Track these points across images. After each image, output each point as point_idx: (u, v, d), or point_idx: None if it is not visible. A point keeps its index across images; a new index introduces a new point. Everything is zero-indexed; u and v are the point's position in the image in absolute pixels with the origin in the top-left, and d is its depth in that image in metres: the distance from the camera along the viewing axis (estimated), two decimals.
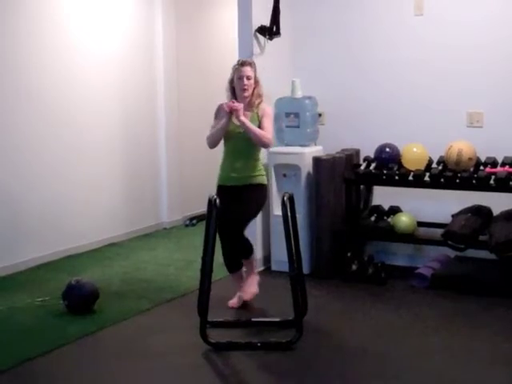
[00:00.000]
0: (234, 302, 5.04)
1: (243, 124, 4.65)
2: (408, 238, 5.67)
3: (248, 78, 4.74)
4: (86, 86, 6.67)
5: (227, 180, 4.85)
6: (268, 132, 4.77)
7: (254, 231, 5.79)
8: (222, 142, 4.85)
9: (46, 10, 6.24)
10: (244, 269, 5.09)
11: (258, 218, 5.85)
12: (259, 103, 4.81)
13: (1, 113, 5.88)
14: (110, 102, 6.98)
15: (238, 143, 4.77)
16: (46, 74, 6.26)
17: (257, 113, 4.80)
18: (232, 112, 4.64)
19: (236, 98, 4.78)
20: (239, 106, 4.63)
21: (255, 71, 4.81)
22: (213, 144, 4.81)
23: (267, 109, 4.88)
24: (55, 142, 6.38)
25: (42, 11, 6.21)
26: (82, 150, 6.65)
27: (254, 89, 4.79)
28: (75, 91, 6.56)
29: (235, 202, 4.76)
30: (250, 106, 4.78)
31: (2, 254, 5.89)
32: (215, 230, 4.33)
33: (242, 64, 4.79)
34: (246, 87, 4.74)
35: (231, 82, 4.82)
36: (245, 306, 5.03)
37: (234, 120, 4.70)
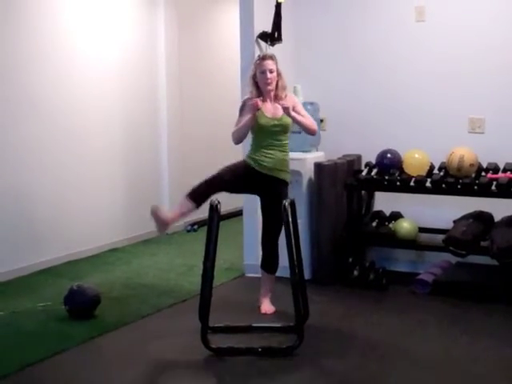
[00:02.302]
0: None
1: (295, 119, 4.67)
2: (409, 243, 5.67)
3: (271, 72, 4.71)
4: (87, 92, 6.68)
5: (259, 165, 4.74)
6: (310, 118, 4.81)
7: (255, 236, 5.80)
8: (251, 134, 4.81)
9: (47, 16, 6.25)
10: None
11: (259, 223, 5.86)
12: (286, 95, 4.80)
13: (2, 119, 5.89)
14: (111, 109, 6.99)
15: (274, 138, 4.74)
16: (48, 80, 6.27)
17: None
18: (259, 109, 4.62)
19: (260, 93, 4.75)
20: (258, 101, 4.60)
21: (277, 64, 4.78)
22: (238, 140, 4.75)
23: (295, 98, 4.89)
24: (57, 148, 6.38)
25: (44, 18, 6.22)
26: (83, 155, 6.66)
27: (278, 82, 4.77)
28: (77, 97, 6.56)
29: (265, 194, 4.77)
30: (277, 99, 4.74)
31: (3, 259, 5.89)
32: (216, 235, 4.33)
33: (263, 58, 4.76)
34: (269, 81, 4.71)
35: (254, 77, 4.78)
36: (253, 310, 5.03)
37: (267, 113, 4.69)
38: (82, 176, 6.67)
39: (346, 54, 6.12)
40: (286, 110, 4.63)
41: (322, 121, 6.09)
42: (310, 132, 4.83)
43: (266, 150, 4.73)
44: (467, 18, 5.64)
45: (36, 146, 6.18)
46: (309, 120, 4.78)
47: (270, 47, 5.83)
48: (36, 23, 6.14)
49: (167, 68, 7.61)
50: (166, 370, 4.13)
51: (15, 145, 5.99)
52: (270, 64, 4.73)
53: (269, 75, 4.71)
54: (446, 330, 4.68)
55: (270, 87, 4.73)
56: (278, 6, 5.72)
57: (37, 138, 6.18)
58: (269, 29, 5.76)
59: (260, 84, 4.75)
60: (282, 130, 4.74)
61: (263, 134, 4.73)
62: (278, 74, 4.78)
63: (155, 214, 4.80)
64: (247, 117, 4.66)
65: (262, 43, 5.80)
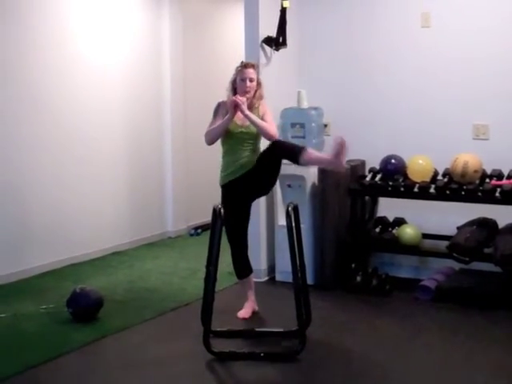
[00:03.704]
0: (246, 312, 5.03)
1: (248, 117, 4.64)
2: (412, 249, 5.66)
3: (251, 80, 4.74)
4: (91, 96, 6.69)
5: (235, 173, 4.75)
6: (272, 125, 4.78)
7: (258, 241, 5.80)
8: (219, 141, 4.81)
9: (52, 21, 6.27)
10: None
11: (263, 228, 5.87)
12: (259, 105, 4.81)
13: (6, 124, 5.90)
14: (115, 113, 7.01)
15: (240, 141, 4.74)
16: (52, 85, 6.29)
17: (257, 113, 4.77)
18: (236, 107, 4.62)
19: None
20: (243, 99, 4.63)
21: (258, 73, 4.81)
22: (212, 140, 4.75)
23: (265, 106, 4.87)
24: (60, 151, 6.39)
25: (49, 22, 6.24)
26: (87, 159, 6.68)
27: (256, 91, 4.79)
28: (81, 102, 6.58)
29: (250, 184, 4.76)
30: (250, 107, 4.73)
31: (7, 262, 5.91)
32: (219, 240, 4.33)
33: (245, 66, 4.78)
34: (248, 89, 4.74)
35: (233, 82, 4.81)
36: (255, 315, 5.04)
37: (236, 119, 4.69)
38: (86, 179, 6.68)
39: (350, 60, 6.12)
40: (240, 106, 4.59)
41: (326, 126, 6.09)
42: (266, 136, 4.74)
43: (237, 156, 4.72)
44: (472, 25, 5.63)
45: (39, 149, 6.19)
46: (268, 125, 4.71)
47: (275, 52, 5.84)
48: (40, 25, 6.16)
49: (171, 71, 7.62)
50: (168, 373, 4.13)
51: (19, 148, 6.00)
52: (250, 73, 4.75)
53: (248, 83, 4.73)
54: (449, 337, 4.67)
55: (247, 95, 4.74)
56: (283, 11, 5.73)
57: (40, 140, 6.20)
58: (274, 34, 5.77)
59: (238, 91, 4.76)
60: (249, 137, 4.75)
61: (232, 140, 4.74)
62: (258, 84, 4.80)
63: (243, 317, 5.01)
64: (225, 117, 4.65)
65: (267, 48, 5.81)
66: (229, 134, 4.73)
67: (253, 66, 4.80)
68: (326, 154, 4.77)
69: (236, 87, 4.78)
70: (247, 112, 4.64)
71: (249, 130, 4.74)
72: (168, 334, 4.76)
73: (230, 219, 4.67)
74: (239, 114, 4.67)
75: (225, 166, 4.82)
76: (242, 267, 5.00)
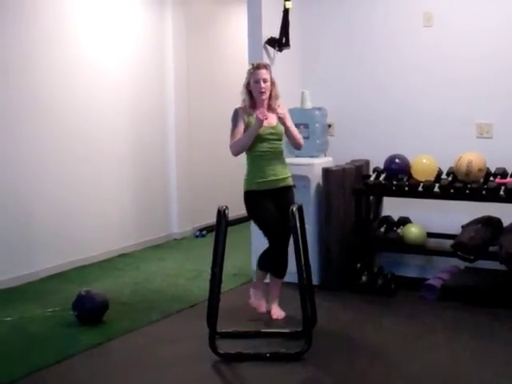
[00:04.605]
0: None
1: (289, 129, 4.75)
2: (418, 249, 5.66)
3: (264, 81, 4.73)
4: (96, 98, 6.71)
5: (265, 184, 4.76)
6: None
7: (263, 241, 5.79)
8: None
9: (55, 23, 6.29)
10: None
11: None
12: (279, 105, 4.81)
13: (10, 125, 5.92)
14: (120, 114, 7.02)
15: (270, 145, 4.76)
16: (56, 87, 6.31)
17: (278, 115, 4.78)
18: (261, 123, 4.63)
19: (253, 102, 4.77)
20: (266, 114, 4.62)
21: (271, 73, 4.80)
22: (240, 151, 4.76)
23: (284, 107, 4.89)
24: (66, 154, 6.41)
25: (53, 25, 6.26)
26: (92, 161, 6.69)
27: (271, 91, 4.79)
28: (85, 105, 6.60)
29: (279, 204, 4.76)
30: (270, 109, 4.75)
31: (13, 265, 5.92)
32: (224, 241, 4.34)
33: (257, 67, 4.77)
34: (263, 90, 4.73)
35: (247, 85, 4.79)
36: (261, 316, 5.03)
37: (264, 123, 4.70)
38: (90, 181, 6.69)
39: (353, 60, 6.12)
40: (281, 119, 4.69)
41: (329, 126, 6.09)
42: (297, 145, 4.89)
43: (267, 162, 4.74)
44: (475, 23, 5.63)
45: (45, 153, 6.21)
46: (299, 135, 4.87)
47: (278, 53, 5.84)
48: (43, 27, 6.18)
49: (175, 73, 7.63)
50: (174, 375, 4.13)
51: (24, 152, 6.02)
52: (263, 73, 4.73)
53: (262, 84, 4.72)
54: (455, 335, 4.67)
55: (263, 96, 4.75)
56: (286, 12, 5.73)
57: (43, 142, 6.21)
58: (277, 34, 5.77)
59: (254, 93, 4.76)
60: (277, 137, 4.78)
61: (259, 142, 4.74)
62: (272, 83, 4.79)
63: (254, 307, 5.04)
64: (253, 127, 4.65)
65: (270, 49, 5.82)
66: (257, 138, 4.72)
67: (265, 67, 4.79)
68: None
69: (250, 90, 4.77)
70: (289, 124, 4.75)
71: (276, 130, 4.77)
72: (174, 335, 4.77)
73: (266, 215, 4.76)
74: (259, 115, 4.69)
75: (251, 172, 4.82)
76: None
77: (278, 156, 4.80)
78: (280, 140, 4.81)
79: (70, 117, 6.45)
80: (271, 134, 4.74)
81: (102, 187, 6.83)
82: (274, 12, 5.76)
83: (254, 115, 4.65)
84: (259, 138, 4.72)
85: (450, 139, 5.71)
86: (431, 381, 4.00)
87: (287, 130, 4.77)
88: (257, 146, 4.75)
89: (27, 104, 6.03)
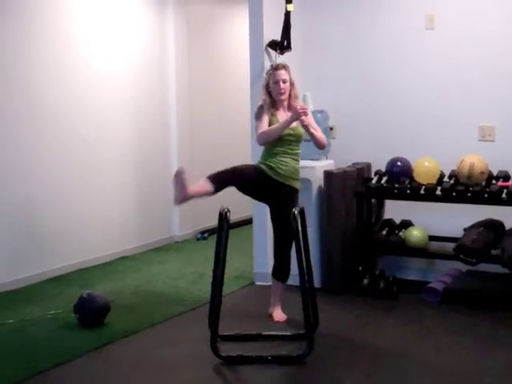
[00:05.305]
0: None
1: (312, 134, 4.74)
2: (420, 252, 5.65)
3: (284, 82, 4.74)
4: (98, 102, 6.70)
5: (273, 171, 4.72)
6: (321, 133, 4.88)
7: (264, 244, 5.79)
8: None
9: (57, 24, 6.29)
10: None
11: (269, 231, 5.85)
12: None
13: (14, 129, 5.92)
14: (121, 117, 7.02)
15: (287, 147, 4.75)
16: (59, 90, 6.30)
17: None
18: (301, 116, 4.61)
19: (273, 102, 4.78)
20: (307, 110, 4.64)
21: (290, 73, 4.81)
22: (268, 141, 4.70)
23: (309, 111, 4.90)
24: (67, 157, 6.41)
25: (54, 26, 6.26)
26: (94, 164, 6.69)
27: (290, 91, 4.81)
28: (87, 107, 6.59)
29: (279, 204, 4.76)
30: (290, 109, 4.77)
31: (14, 268, 5.92)
32: (226, 243, 4.34)
33: (276, 68, 4.79)
34: (283, 91, 4.74)
35: (267, 86, 4.81)
36: (263, 318, 5.02)
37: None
38: (92, 184, 6.68)
39: (355, 62, 6.12)
40: (305, 127, 4.68)
41: (331, 129, 6.08)
42: (321, 146, 4.87)
43: (280, 158, 4.74)
44: (477, 26, 5.63)
45: (47, 156, 6.20)
46: (320, 134, 4.84)
47: (280, 56, 5.84)
48: (49, 37, 6.18)
49: (177, 75, 7.62)
50: (175, 378, 4.13)
51: (26, 155, 6.01)
52: (283, 74, 4.76)
53: (282, 85, 4.74)
54: (457, 339, 4.66)
55: (283, 97, 4.77)
56: (287, 15, 5.73)
57: (47, 148, 6.21)
58: (278, 37, 5.77)
59: (273, 94, 4.78)
60: (295, 139, 4.77)
61: (277, 141, 4.73)
62: (291, 84, 4.81)
63: (179, 176, 4.66)
64: (287, 120, 4.63)
65: (272, 52, 5.82)
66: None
67: (284, 67, 4.80)
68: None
69: (270, 91, 4.78)
70: (312, 130, 4.72)
71: (296, 132, 4.75)
72: (175, 338, 4.76)
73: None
74: (281, 115, 4.70)
75: (267, 155, 4.79)
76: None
77: (293, 157, 4.79)
78: (298, 142, 4.80)
79: (72, 119, 6.44)
80: (290, 135, 4.73)
81: (104, 190, 6.82)
82: (276, 15, 5.76)
83: (277, 113, 4.71)
84: (277, 138, 4.72)
85: (452, 142, 5.71)
86: None
87: (310, 134, 4.75)
88: (274, 146, 4.74)
89: (28, 107, 6.03)
